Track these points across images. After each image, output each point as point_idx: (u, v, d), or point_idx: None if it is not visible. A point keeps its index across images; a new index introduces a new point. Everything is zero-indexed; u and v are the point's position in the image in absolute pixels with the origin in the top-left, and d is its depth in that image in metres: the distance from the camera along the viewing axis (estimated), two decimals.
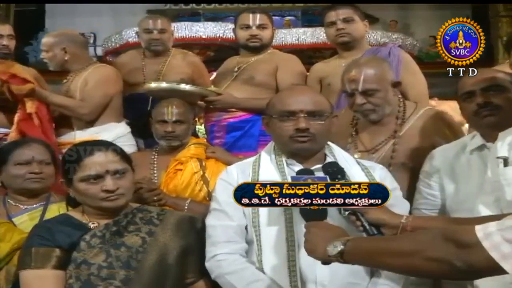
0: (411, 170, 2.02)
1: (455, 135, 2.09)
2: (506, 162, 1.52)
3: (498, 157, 1.54)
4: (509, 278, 1.17)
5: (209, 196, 2.20)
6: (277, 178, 1.67)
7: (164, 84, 2.76)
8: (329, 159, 1.74)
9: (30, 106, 2.75)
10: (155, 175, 2.37)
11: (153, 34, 3.09)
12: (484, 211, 1.55)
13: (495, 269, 0.95)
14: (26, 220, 1.95)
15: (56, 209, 1.98)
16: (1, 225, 1.83)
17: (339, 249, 1.20)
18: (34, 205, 2.02)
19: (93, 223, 1.66)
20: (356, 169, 1.73)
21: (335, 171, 1.57)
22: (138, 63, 3.16)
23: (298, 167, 1.69)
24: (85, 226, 1.66)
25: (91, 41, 6.97)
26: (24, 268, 1.58)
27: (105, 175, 1.64)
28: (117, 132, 2.89)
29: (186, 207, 2.20)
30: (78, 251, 1.59)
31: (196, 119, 2.52)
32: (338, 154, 1.77)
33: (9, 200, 2.02)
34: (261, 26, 2.91)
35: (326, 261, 1.27)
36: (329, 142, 1.80)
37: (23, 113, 2.75)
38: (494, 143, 1.64)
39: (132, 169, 1.75)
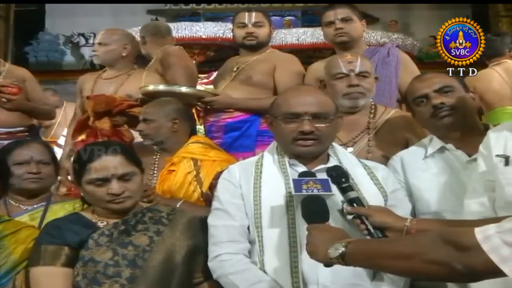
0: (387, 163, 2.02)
1: (423, 134, 2.15)
2: (507, 161, 1.51)
3: (497, 156, 1.52)
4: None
5: (203, 197, 2.20)
6: (279, 178, 1.66)
7: (161, 87, 2.76)
8: (332, 159, 1.72)
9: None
10: (155, 175, 2.34)
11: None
12: (478, 211, 1.54)
13: (494, 272, 0.95)
14: (27, 220, 1.94)
15: (57, 209, 1.99)
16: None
17: (341, 251, 1.20)
18: (35, 205, 2.02)
19: (102, 222, 1.68)
20: (360, 170, 1.72)
21: (339, 174, 1.55)
22: None
23: (300, 167, 1.67)
24: (95, 225, 1.67)
25: (91, 41, 6.96)
26: (33, 265, 1.60)
27: (111, 178, 1.64)
28: None
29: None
30: (86, 249, 1.61)
31: (176, 119, 2.37)
32: (342, 155, 1.76)
33: (9, 200, 2.02)
34: (257, 24, 2.91)
35: (328, 264, 1.27)
36: (333, 143, 1.78)
37: None
38: (484, 140, 1.62)
39: (142, 171, 1.75)
